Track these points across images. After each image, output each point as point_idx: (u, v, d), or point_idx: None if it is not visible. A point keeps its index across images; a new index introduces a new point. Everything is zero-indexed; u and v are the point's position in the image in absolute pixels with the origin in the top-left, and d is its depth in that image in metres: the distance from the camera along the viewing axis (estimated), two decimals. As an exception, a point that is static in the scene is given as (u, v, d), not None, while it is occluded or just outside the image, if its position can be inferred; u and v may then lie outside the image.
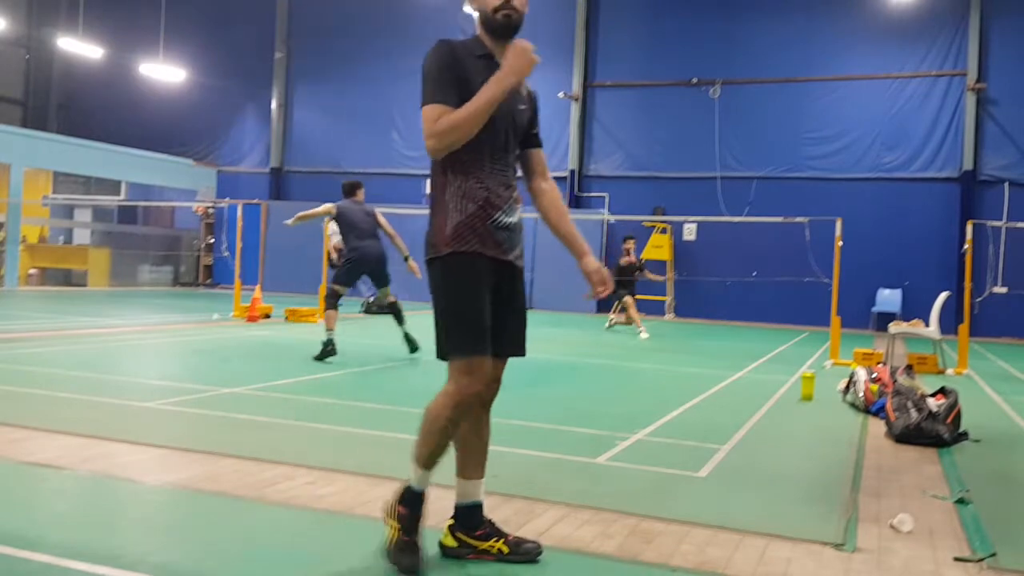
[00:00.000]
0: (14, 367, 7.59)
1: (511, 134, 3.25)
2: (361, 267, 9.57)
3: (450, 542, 3.29)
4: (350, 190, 9.89)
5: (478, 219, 3.13)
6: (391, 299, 9.75)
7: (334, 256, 18.37)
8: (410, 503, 3.17)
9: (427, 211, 3.26)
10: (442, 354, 3.16)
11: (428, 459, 3.14)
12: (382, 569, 3.12)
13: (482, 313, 3.11)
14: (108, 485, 4.08)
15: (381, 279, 9.69)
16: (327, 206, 9.78)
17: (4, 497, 3.86)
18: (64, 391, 6.42)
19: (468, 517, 3.29)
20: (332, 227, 18.56)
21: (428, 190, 3.25)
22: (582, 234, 3.43)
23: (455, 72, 3.08)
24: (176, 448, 4.78)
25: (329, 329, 9.08)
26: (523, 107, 3.33)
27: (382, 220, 9.78)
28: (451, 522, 3.31)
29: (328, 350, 8.92)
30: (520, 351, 3.30)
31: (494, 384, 3.25)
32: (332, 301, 9.34)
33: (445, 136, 3.01)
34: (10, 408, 5.69)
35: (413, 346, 9.52)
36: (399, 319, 9.72)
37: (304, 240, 19.03)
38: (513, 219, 3.25)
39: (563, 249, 3.32)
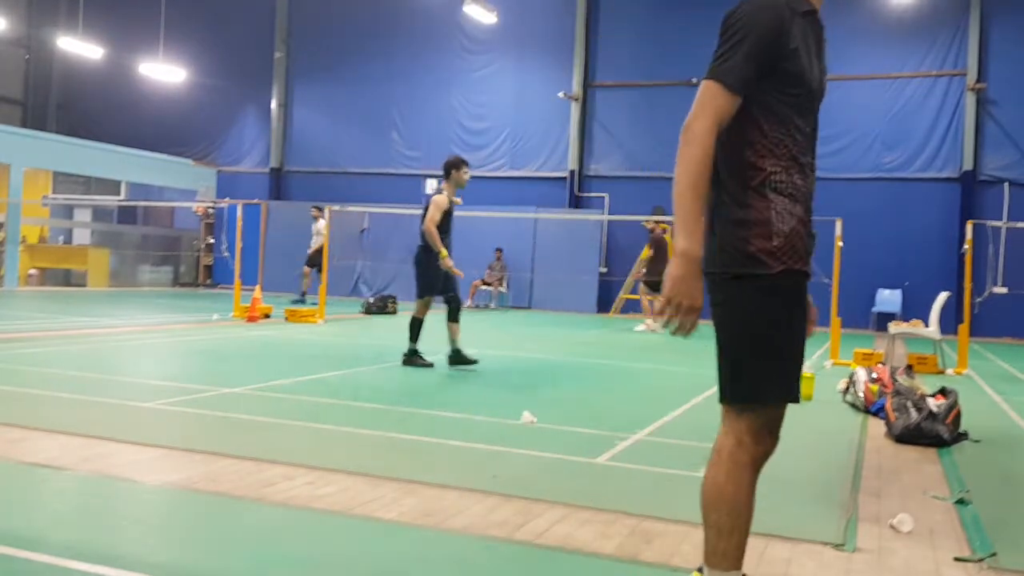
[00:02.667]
0: (14, 367, 7.59)
1: (816, 121, 2.58)
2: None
3: None
4: (449, 169, 8.78)
5: (803, 227, 2.46)
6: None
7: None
8: None
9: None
10: (738, 397, 2.47)
11: (736, 554, 2.45)
12: (381, 569, 3.12)
13: (801, 351, 2.50)
14: (108, 485, 4.07)
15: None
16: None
17: (4, 497, 3.86)
18: (64, 391, 6.41)
19: None
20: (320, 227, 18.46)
21: (727, 176, 2.48)
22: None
23: (777, 47, 2.37)
24: (176, 448, 4.78)
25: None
26: (825, 80, 2.60)
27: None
28: None
29: (412, 354, 8.71)
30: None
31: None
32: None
33: (685, 151, 2.35)
34: (10, 408, 5.69)
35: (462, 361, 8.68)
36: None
37: (304, 240, 19.02)
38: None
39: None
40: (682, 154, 2.34)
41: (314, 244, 18.27)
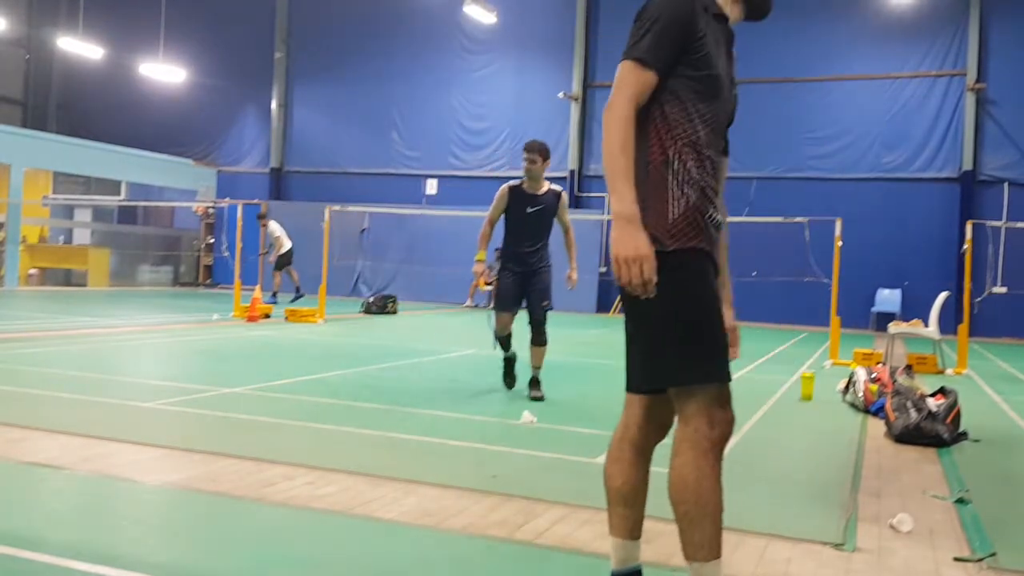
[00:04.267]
0: (14, 367, 7.59)
1: (725, 121, 2.67)
2: None
3: None
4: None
5: (698, 211, 2.47)
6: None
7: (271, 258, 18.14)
8: None
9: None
10: (680, 380, 2.43)
11: (712, 543, 2.40)
12: (381, 569, 3.12)
13: (723, 325, 2.50)
14: (108, 485, 4.08)
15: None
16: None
17: (4, 497, 3.86)
18: (64, 391, 6.41)
19: None
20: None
21: (638, 156, 2.49)
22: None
23: (687, 30, 2.46)
24: (176, 448, 4.78)
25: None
26: (736, 92, 2.74)
27: None
28: None
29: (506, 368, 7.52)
30: None
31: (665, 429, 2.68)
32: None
33: (608, 124, 2.41)
34: (10, 408, 5.69)
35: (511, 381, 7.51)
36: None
37: (303, 240, 19.01)
38: (722, 219, 2.64)
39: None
40: (604, 129, 2.43)
41: (276, 247, 18.07)
